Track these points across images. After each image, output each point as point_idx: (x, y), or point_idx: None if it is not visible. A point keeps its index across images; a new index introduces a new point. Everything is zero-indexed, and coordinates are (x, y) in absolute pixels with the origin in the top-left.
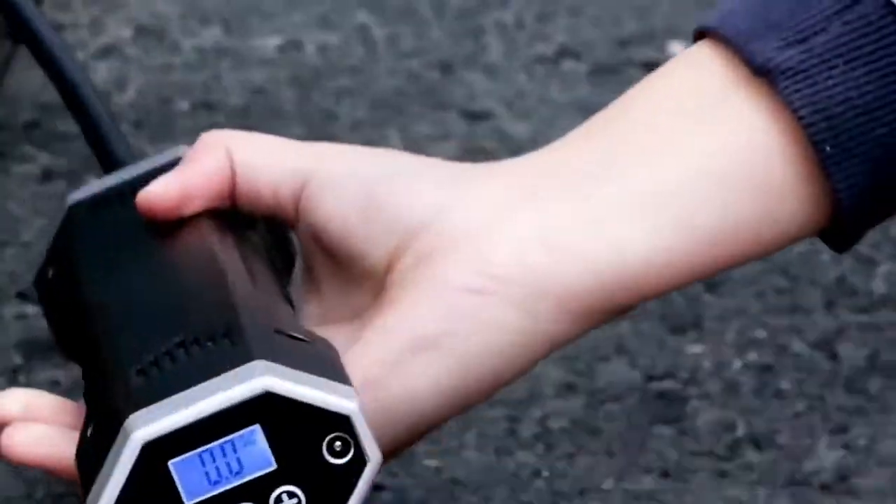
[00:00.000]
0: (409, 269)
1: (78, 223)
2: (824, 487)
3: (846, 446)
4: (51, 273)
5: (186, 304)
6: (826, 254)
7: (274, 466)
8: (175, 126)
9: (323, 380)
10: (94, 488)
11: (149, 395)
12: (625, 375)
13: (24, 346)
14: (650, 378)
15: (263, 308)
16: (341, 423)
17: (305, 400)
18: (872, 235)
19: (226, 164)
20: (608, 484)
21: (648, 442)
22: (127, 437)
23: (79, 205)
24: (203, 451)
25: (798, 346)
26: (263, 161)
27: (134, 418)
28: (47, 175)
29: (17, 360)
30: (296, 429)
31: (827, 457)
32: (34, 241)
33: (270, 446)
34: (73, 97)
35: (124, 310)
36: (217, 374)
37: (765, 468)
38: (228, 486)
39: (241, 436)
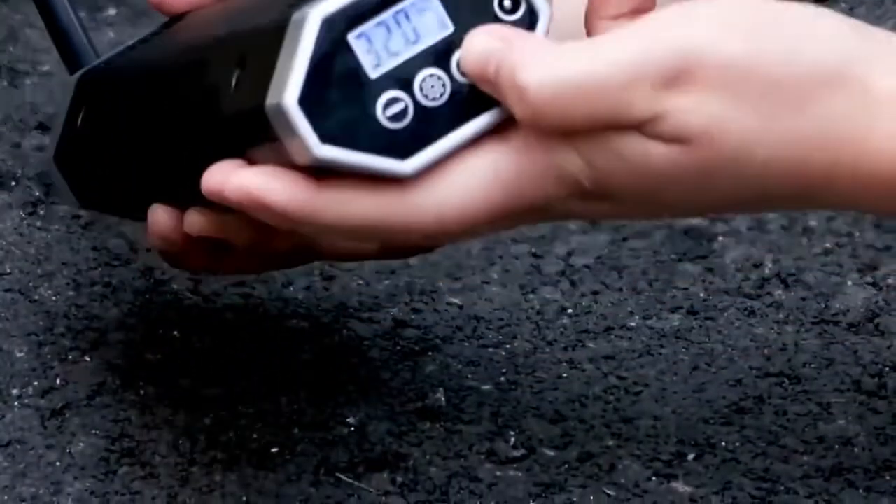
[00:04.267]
0: None
1: (97, 72)
2: (852, 326)
3: (874, 285)
4: (80, 119)
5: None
6: None
7: (451, 29)
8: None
9: None
10: (274, 85)
11: (301, 5)
12: None
13: (44, 178)
14: None
15: None
16: None
17: None
18: None
19: None
20: (634, 321)
21: (675, 279)
22: (302, 19)
23: (87, 72)
24: (381, 20)
25: None
26: None
27: (301, 11)
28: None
29: (37, 192)
30: None
31: (855, 295)
32: (55, 71)
33: (445, 9)
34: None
35: (210, 32)
36: None
37: (792, 306)
38: (410, 54)
39: (415, 1)
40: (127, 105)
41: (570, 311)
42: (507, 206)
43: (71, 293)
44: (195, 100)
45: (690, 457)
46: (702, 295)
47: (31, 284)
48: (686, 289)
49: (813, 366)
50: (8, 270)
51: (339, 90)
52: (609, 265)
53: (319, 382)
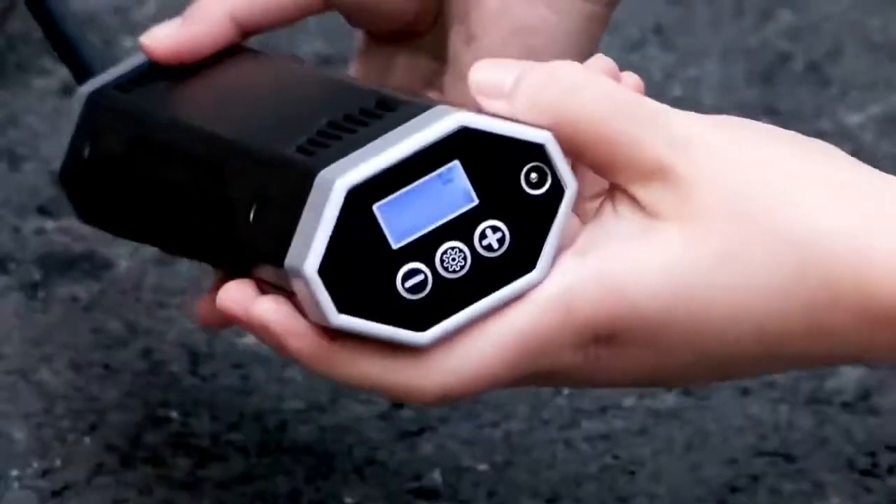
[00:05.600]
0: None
1: (110, 99)
2: (846, 405)
3: (868, 364)
4: (87, 152)
5: (305, 99)
6: None
7: (476, 202)
8: None
9: (510, 120)
10: (295, 245)
11: (329, 155)
12: None
13: (43, 261)
14: None
15: (387, 86)
16: (537, 152)
17: (502, 132)
18: None
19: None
20: (629, 401)
21: None
22: (329, 186)
23: (98, 91)
24: (406, 192)
25: None
26: None
27: (328, 171)
28: (67, 90)
29: (37, 275)
30: (494, 163)
31: (849, 375)
32: (54, 156)
33: (471, 182)
34: (38, 8)
35: (235, 126)
36: (398, 126)
37: (786, 386)
38: (433, 226)
39: (441, 173)
40: (135, 166)
41: (566, 390)
42: (522, 369)
43: (70, 375)
44: (211, 203)
45: None
46: None
47: (30, 366)
48: None
49: (807, 445)
50: (8, 353)
51: (359, 259)
52: None
53: (317, 463)
